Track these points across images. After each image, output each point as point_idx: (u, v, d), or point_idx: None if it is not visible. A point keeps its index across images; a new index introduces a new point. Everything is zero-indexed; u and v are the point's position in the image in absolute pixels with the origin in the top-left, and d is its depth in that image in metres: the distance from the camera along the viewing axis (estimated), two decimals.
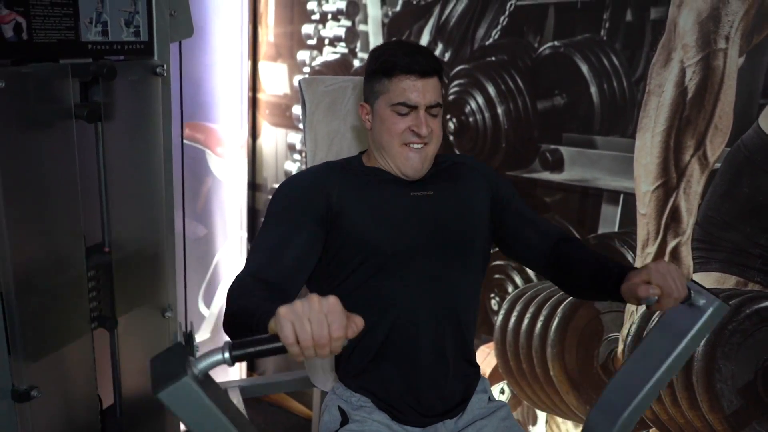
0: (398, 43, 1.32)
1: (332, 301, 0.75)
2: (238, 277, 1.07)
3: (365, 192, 1.24)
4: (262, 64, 2.23)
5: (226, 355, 0.74)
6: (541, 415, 1.90)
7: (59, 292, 1.30)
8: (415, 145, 1.22)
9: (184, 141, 2.07)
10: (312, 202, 1.22)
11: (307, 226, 1.19)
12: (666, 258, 1.61)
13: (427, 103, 1.20)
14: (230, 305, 0.98)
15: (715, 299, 1.01)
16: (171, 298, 1.65)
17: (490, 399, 1.36)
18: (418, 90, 1.19)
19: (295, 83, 2.18)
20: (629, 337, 1.69)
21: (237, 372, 2.59)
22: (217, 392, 0.77)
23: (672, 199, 1.56)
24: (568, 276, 1.27)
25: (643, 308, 1.67)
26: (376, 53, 1.25)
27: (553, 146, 1.70)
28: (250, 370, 2.64)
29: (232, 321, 0.96)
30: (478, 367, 1.37)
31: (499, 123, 1.78)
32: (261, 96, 2.27)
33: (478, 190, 1.34)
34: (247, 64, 2.23)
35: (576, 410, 1.82)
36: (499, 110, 1.77)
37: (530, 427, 1.93)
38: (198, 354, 0.86)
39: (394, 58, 1.19)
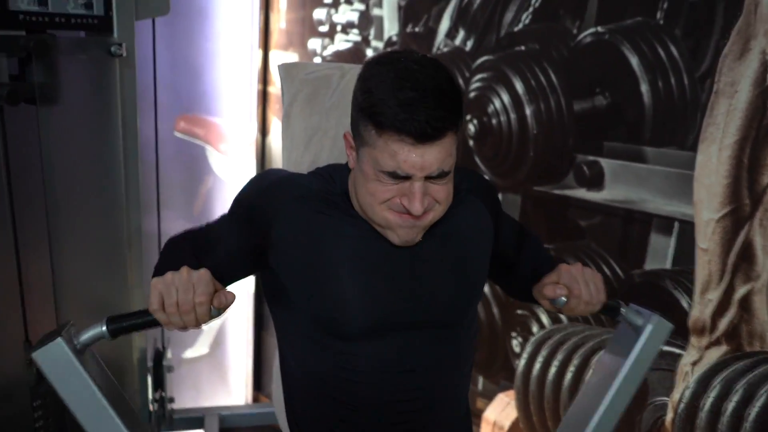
0: (397, 76, 0.85)
1: (201, 271, 0.83)
2: (180, 234, 1.03)
3: (318, 229, 0.96)
4: (273, 54, 2.02)
5: (103, 328, 0.83)
6: None
7: None
8: (407, 220, 0.91)
9: (179, 135, 1.88)
10: (248, 220, 0.97)
11: (238, 240, 0.97)
12: (733, 308, 1.25)
13: (427, 174, 0.87)
14: (158, 262, 0.96)
15: (652, 315, 0.97)
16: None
17: None
18: (414, 161, 0.84)
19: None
20: (682, 405, 1.34)
21: (242, 396, 2.38)
22: (96, 367, 0.87)
23: (743, 233, 1.21)
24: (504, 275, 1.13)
25: (701, 370, 1.33)
26: (366, 82, 0.88)
27: (591, 158, 1.37)
28: (256, 389, 2.42)
29: (161, 264, 0.94)
30: None
31: (527, 127, 1.46)
32: (272, 89, 2.05)
33: (481, 227, 1.04)
34: (258, 54, 2.02)
35: None
36: (528, 111, 1.46)
37: None
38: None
39: (385, 107, 0.83)
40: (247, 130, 2.08)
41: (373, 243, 0.95)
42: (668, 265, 1.32)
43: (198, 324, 0.83)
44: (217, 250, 0.96)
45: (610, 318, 1.02)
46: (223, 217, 1.02)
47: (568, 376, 1.53)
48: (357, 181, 0.93)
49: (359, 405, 0.96)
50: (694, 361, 1.33)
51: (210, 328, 2.18)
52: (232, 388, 2.34)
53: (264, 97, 2.06)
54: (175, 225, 1.87)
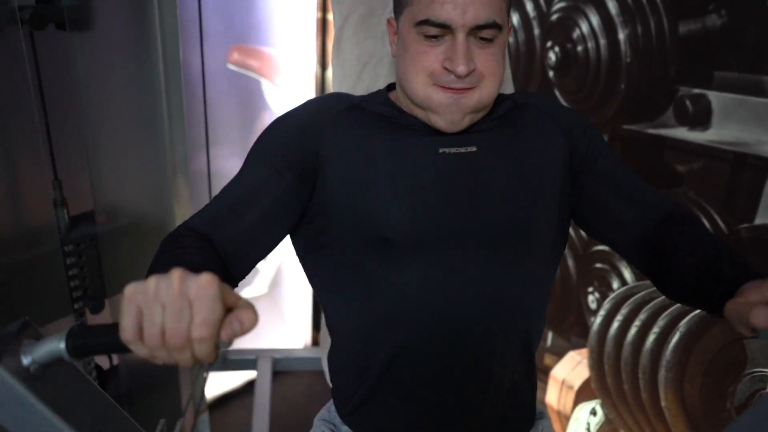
0: None
1: (203, 281, 0.50)
2: (179, 226, 0.80)
3: (366, 143, 0.84)
4: None
5: (61, 345, 0.55)
6: None
7: (28, 268, 1.05)
8: (451, 89, 0.80)
9: (232, 67, 1.76)
10: (291, 150, 0.85)
11: (282, 181, 0.84)
12: None
13: (471, 23, 0.76)
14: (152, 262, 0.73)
15: None
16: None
17: None
18: (456, 10, 0.76)
19: None
20: None
21: (302, 339, 2.34)
22: (65, 383, 0.60)
23: None
24: (665, 271, 0.83)
25: None
26: None
27: (697, 90, 1.16)
28: (316, 331, 2.37)
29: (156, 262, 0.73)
30: (535, 411, 0.95)
31: (620, 54, 1.25)
32: (331, 17, 1.89)
33: (547, 143, 0.89)
34: None
35: None
36: (621, 35, 1.24)
37: None
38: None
39: None
40: (306, 62, 1.94)
41: (421, 146, 0.84)
42: None
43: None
44: (242, 217, 0.81)
45: None
46: (241, 172, 0.86)
47: (651, 338, 1.36)
48: (400, 64, 0.83)
49: (407, 343, 0.84)
50: None
51: (268, 266, 2.13)
52: (291, 330, 2.30)
53: (323, 25, 1.90)
54: (227, 163, 1.79)
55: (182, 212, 1.39)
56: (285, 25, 1.83)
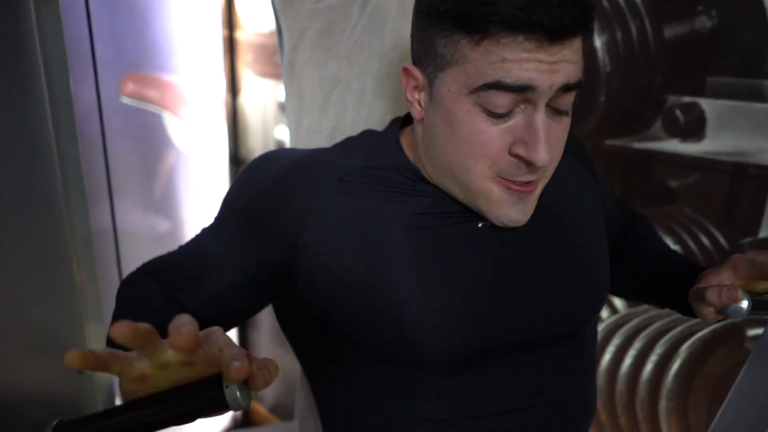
0: None
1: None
2: (140, 269, 0.71)
3: (375, 224, 0.64)
4: None
5: None
6: None
7: None
8: (518, 187, 0.60)
9: (126, 101, 1.47)
10: (254, 234, 0.65)
11: (245, 262, 0.66)
12: None
13: (561, 83, 0.56)
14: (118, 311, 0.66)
15: None
16: (93, 333, 1.10)
17: None
18: (539, 65, 0.55)
19: None
20: None
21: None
22: None
23: None
24: (621, 268, 0.85)
25: None
26: None
27: (688, 99, 1.06)
28: None
29: None
30: None
31: (597, 63, 1.13)
32: (240, 35, 1.64)
33: (586, 193, 0.76)
34: None
35: None
36: (598, 43, 1.12)
37: None
38: None
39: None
40: (213, 89, 1.67)
41: (454, 229, 0.64)
42: None
43: None
44: (210, 280, 0.65)
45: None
46: (210, 230, 0.68)
47: (648, 366, 1.25)
48: (436, 135, 0.61)
49: None
50: None
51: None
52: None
53: (231, 45, 1.65)
54: (131, 218, 1.48)
55: (87, 299, 1.10)
56: (186, 47, 1.55)
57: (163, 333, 0.44)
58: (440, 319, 0.61)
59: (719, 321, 0.72)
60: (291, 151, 0.69)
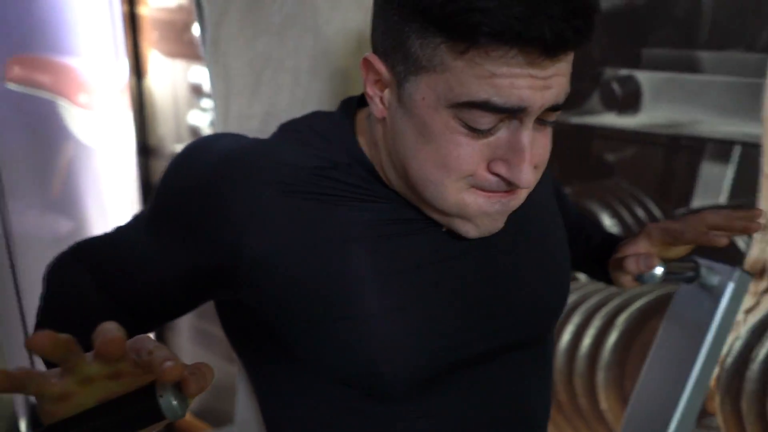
0: None
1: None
2: (73, 249, 0.65)
3: (332, 231, 0.57)
4: None
5: None
6: None
7: None
8: (498, 193, 0.54)
9: (13, 87, 1.30)
10: (186, 239, 0.57)
11: (174, 267, 0.59)
12: None
13: (551, 102, 0.50)
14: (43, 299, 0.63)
15: (733, 270, 0.81)
16: None
17: None
18: (535, 84, 0.48)
19: None
20: (730, 358, 1.13)
21: None
22: None
23: None
24: None
25: (754, 319, 1.13)
26: None
27: (624, 71, 1.05)
28: None
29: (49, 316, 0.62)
30: None
31: None
32: (143, 10, 1.49)
33: (548, 197, 0.72)
34: None
35: None
36: None
37: None
38: None
39: (485, 2, 0.45)
40: (115, 71, 1.52)
41: (416, 237, 0.57)
42: (723, 200, 1.06)
43: None
44: (139, 278, 0.60)
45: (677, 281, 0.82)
46: (143, 221, 0.61)
47: (586, 342, 1.27)
48: (401, 141, 0.53)
49: None
50: (749, 308, 1.12)
51: None
52: None
53: (133, 22, 1.50)
54: (26, 219, 1.32)
55: None
56: (82, 25, 1.39)
57: (93, 329, 0.39)
58: (404, 335, 0.56)
59: (636, 287, 0.78)
60: (232, 138, 0.59)
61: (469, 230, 0.55)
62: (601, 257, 0.79)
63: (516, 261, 0.63)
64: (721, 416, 1.14)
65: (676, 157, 1.07)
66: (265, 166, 0.56)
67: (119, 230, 0.63)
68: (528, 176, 0.50)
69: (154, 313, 0.61)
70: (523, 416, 0.65)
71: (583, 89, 1.09)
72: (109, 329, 0.37)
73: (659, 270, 0.69)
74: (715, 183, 1.06)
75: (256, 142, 0.60)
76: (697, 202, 1.08)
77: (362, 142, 0.59)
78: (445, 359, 0.58)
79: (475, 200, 0.53)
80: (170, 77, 1.52)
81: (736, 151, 1.03)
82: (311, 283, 0.54)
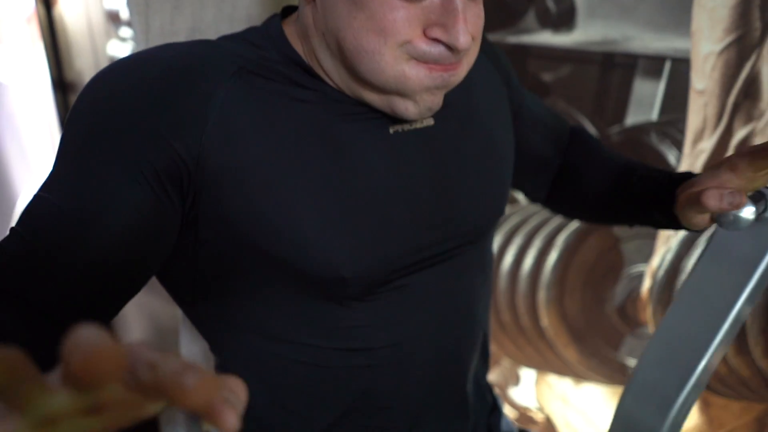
0: None
1: None
2: None
3: (280, 135, 0.54)
4: None
5: None
6: (528, 373, 1.41)
7: None
8: (439, 66, 0.52)
9: None
10: (148, 152, 0.50)
11: (131, 200, 0.50)
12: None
13: None
14: None
15: None
16: None
17: None
18: None
19: None
20: (661, 271, 1.18)
21: None
22: None
23: (749, 64, 1.00)
24: (577, 188, 0.79)
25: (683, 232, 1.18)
26: None
27: None
28: None
29: None
30: (495, 396, 0.80)
31: None
32: None
33: (495, 92, 0.70)
34: None
35: (577, 365, 1.33)
36: None
37: (512, 389, 1.43)
38: None
39: None
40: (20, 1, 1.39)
41: (366, 135, 0.56)
42: (655, 116, 1.08)
43: None
44: (88, 248, 0.48)
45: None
46: (61, 182, 0.50)
47: (528, 262, 1.30)
48: (332, 16, 0.52)
49: (371, 390, 0.62)
50: None
51: None
52: None
53: None
54: None
55: None
56: None
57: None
58: (360, 241, 0.55)
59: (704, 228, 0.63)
60: (164, 48, 0.54)
61: (409, 107, 0.54)
62: (658, 197, 0.66)
63: (461, 160, 0.63)
64: (653, 325, 1.21)
65: (610, 74, 1.08)
66: (215, 59, 0.53)
67: (22, 224, 0.49)
68: (465, 38, 0.49)
69: (109, 298, 0.52)
70: (469, 312, 0.66)
71: (519, 7, 1.07)
72: (88, 336, 0.23)
73: (749, 212, 0.55)
74: (647, 99, 1.08)
75: (193, 43, 0.55)
76: (630, 119, 1.10)
77: (294, 44, 0.57)
78: (397, 261, 0.57)
79: (416, 74, 0.51)
80: (83, 4, 1.40)
81: (667, 67, 1.04)
82: (269, 186, 0.52)
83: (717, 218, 0.57)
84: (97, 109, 0.50)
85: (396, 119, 0.57)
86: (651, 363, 0.75)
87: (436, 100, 0.54)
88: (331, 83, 0.55)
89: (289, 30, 0.58)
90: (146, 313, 1.68)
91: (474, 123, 0.64)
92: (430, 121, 0.60)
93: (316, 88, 0.55)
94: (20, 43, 1.38)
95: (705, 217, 0.59)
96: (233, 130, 0.51)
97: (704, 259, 0.71)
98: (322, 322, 0.58)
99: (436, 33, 0.50)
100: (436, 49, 0.50)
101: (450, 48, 0.50)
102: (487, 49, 0.70)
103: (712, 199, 0.54)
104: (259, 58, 0.54)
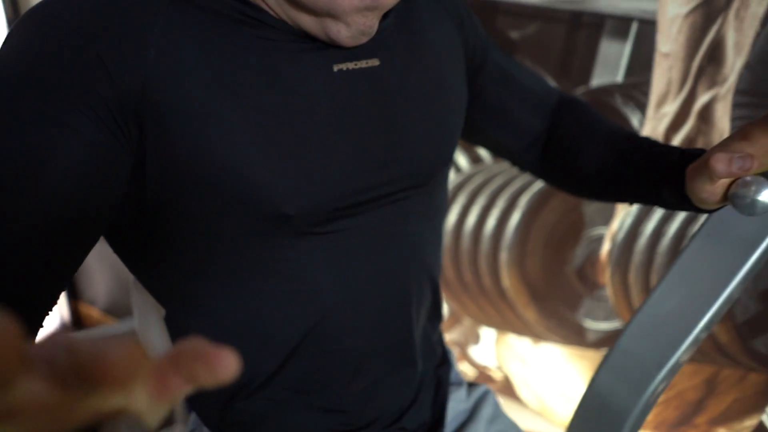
0: None
1: None
2: None
3: (223, 67, 0.52)
4: None
5: None
6: (488, 333, 1.42)
7: None
8: None
9: None
10: (88, 87, 0.48)
11: (80, 142, 0.47)
12: (691, 120, 1.07)
13: None
14: None
15: None
16: None
17: (467, 386, 0.82)
18: None
19: None
20: (621, 233, 1.19)
21: None
22: None
23: (714, 28, 0.99)
24: (574, 162, 0.74)
25: None
26: None
27: None
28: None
29: None
30: (446, 349, 0.80)
31: None
32: None
33: (446, 39, 0.68)
34: None
35: (536, 325, 1.35)
36: None
37: (472, 348, 1.45)
38: None
39: None
40: None
41: (306, 63, 0.55)
42: (620, 78, 1.08)
43: None
44: (28, 198, 0.46)
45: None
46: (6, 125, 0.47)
47: (490, 223, 1.30)
48: None
49: (317, 329, 0.62)
50: None
51: None
52: None
53: None
54: None
55: None
56: None
57: None
58: (304, 177, 0.55)
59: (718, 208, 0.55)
60: None
61: (341, 30, 0.52)
62: (666, 168, 0.61)
63: (405, 108, 0.62)
64: (611, 287, 1.22)
65: (577, 33, 1.07)
66: None
67: None
68: None
69: (67, 252, 0.49)
70: (415, 259, 0.66)
71: None
72: None
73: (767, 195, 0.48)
74: (613, 60, 1.07)
75: None
76: (596, 80, 1.10)
77: None
78: (340, 199, 0.57)
79: None
80: None
81: (634, 28, 1.03)
82: (213, 120, 0.51)
83: (732, 198, 0.49)
84: (34, 43, 0.48)
85: (340, 57, 0.56)
86: (633, 337, 0.72)
87: (368, 23, 0.53)
88: (269, 11, 0.54)
89: None
90: (108, 264, 1.66)
91: (420, 65, 0.63)
92: (375, 62, 0.58)
93: (257, 17, 0.53)
94: None
95: (715, 191, 0.50)
96: (174, 59, 0.50)
97: (701, 235, 0.67)
98: (266, 262, 0.57)
99: None
100: None
101: None
102: None
103: (720, 162, 0.48)
104: None
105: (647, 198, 0.66)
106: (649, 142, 0.68)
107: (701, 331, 0.67)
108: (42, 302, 0.49)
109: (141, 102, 0.48)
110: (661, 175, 0.61)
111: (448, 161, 0.67)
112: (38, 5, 0.51)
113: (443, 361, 0.78)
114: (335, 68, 0.56)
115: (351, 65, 0.56)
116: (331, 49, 0.55)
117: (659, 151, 0.64)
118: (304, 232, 0.56)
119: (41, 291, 0.49)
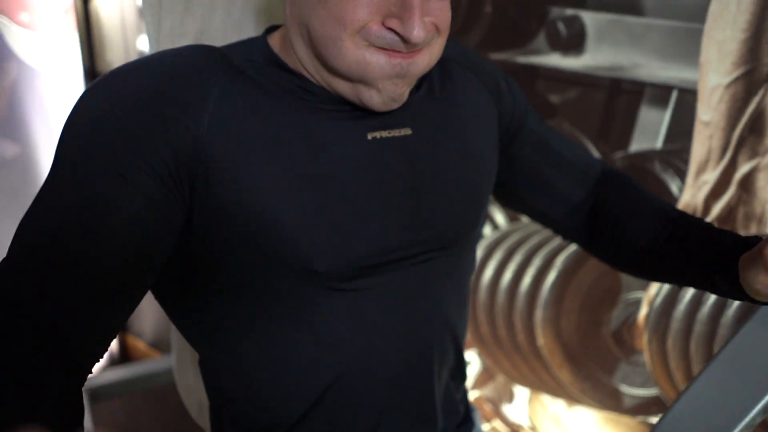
0: None
1: None
2: None
3: (267, 131, 0.57)
4: None
5: None
6: (522, 391, 1.41)
7: None
8: (396, 53, 0.56)
9: None
10: (151, 149, 0.53)
11: (141, 197, 0.52)
12: (732, 189, 1.06)
13: None
14: None
15: None
16: None
17: None
18: None
19: None
20: (659, 298, 1.18)
21: None
22: None
23: (756, 99, 1.00)
24: (620, 237, 0.74)
25: None
26: None
27: (570, 11, 1.05)
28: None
29: None
30: (469, 407, 0.81)
31: None
32: None
33: (479, 109, 0.71)
34: None
35: (571, 387, 1.33)
36: None
37: (505, 406, 1.44)
38: None
39: None
40: None
41: (343, 131, 0.60)
42: (659, 144, 1.08)
43: None
44: (103, 229, 0.51)
45: None
46: (53, 193, 0.52)
47: (526, 281, 1.31)
48: (302, 11, 0.56)
49: (339, 382, 0.64)
50: None
51: None
52: None
53: None
54: None
55: None
56: None
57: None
58: (336, 236, 0.58)
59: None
60: (164, 52, 0.59)
61: (373, 95, 0.57)
62: (720, 254, 0.59)
63: (436, 175, 0.65)
64: (648, 353, 1.20)
65: (617, 100, 1.08)
66: (208, 60, 0.57)
67: (23, 236, 0.51)
68: (419, 32, 0.52)
69: (121, 301, 0.53)
70: (438, 319, 0.68)
71: (530, 29, 1.09)
72: None
73: None
74: (652, 127, 1.08)
75: (181, 49, 0.59)
76: (635, 146, 1.11)
77: (276, 50, 0.61)
78: (368, 259, 0.60)
79: (376, 60, 0.55)
80: (118, 0, 1.47)
81: (674, 96, 1.05)
82: (255, 179, 0.56)
83: None
84: (104, 105, 0.54)
85: (374, 126, 0.60)
86: (675, 424, 0.66)
87: (398, 91, 0.57)
88: (311, 78, 0.59)
89: (276, 36, 0.62)
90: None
91: (451, 134, 0.66)
92: (407, 131, 0.62)
93: (300, 84, 0.58)
94: (56, 33, 1.45)
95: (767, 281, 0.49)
96: (225, 124, 0.55)
97: (754, 322, 0.63)
98: (293, 314, 0.60)
99: (393, 24, 0.53)
100: (390, 35, 0.54)
101: (404, 40, 0.53)
102: (465, 58, 0.72)
103: None
104: (246, 61, 0.58)
105: (699, 283, 0.64)
106: (702, 224, 0.67)
107: (749, 423, 0.61)
108: (98, 346, 0.54)
109: (193, 162, 0.53)
110: (715, 261, 0.59)
111: (475, 226, 0.69)
112: (111, 72, 0.58)
113: (465, 419, 0.78)
114: (369, 136, 0.60)
115: (384, 133, 0.60)
116: (367, 118, 0.59)
117: (713, 237, 0.62)
118: (331, 288, 0.59)
119: (97, 335, 0.53)
